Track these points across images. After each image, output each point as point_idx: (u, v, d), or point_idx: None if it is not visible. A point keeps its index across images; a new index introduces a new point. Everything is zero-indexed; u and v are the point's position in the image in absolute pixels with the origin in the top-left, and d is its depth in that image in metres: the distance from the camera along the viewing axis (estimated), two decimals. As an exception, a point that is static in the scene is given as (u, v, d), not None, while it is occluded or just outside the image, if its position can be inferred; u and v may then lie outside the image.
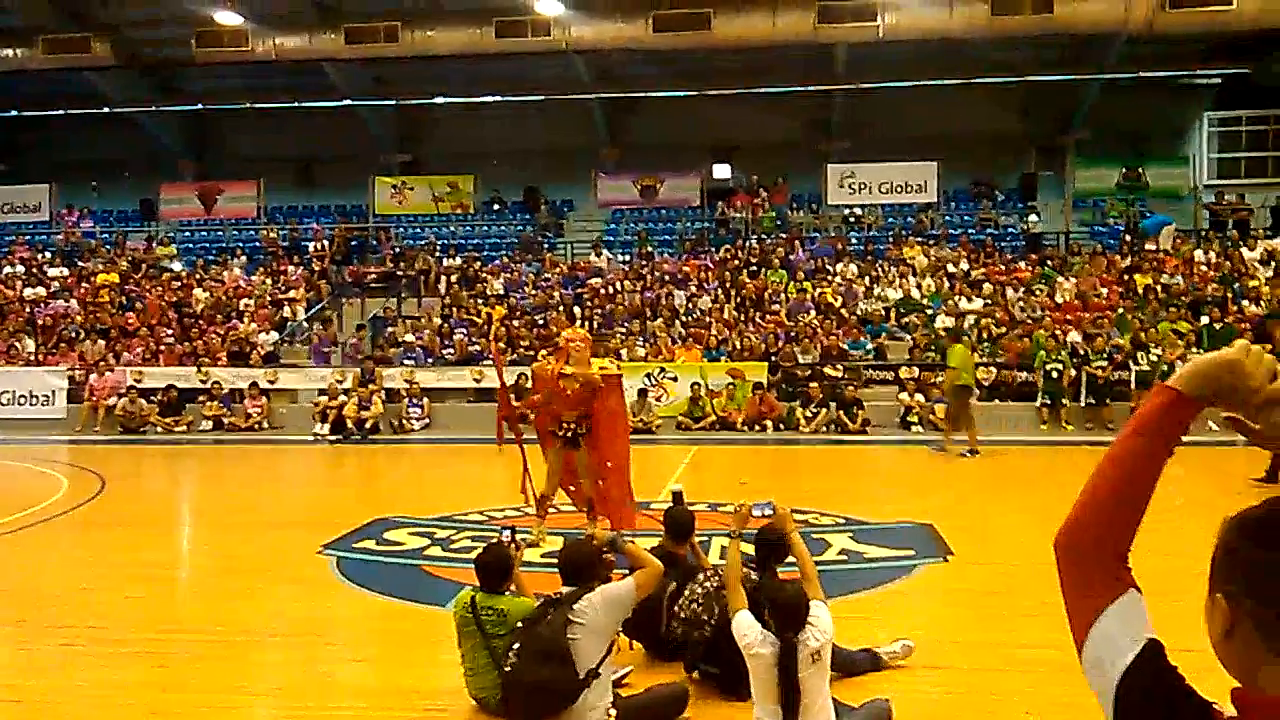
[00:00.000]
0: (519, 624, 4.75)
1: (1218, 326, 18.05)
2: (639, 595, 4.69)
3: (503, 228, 28.31)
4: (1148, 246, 22.88)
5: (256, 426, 18.85)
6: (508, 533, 5.77)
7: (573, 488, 9.18)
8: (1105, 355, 17.49)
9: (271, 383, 19.88)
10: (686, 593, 5.72)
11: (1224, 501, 1.41)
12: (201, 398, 19.33)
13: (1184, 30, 22.59)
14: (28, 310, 22.94)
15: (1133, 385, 16.97)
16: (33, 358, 21.21)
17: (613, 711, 4.48)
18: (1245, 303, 19.39)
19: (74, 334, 21.69)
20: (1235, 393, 1.42)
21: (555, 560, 5.16)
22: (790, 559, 5.26)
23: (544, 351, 10.16)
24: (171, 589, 8.27)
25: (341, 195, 29.28)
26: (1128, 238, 23.79)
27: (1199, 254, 22.03)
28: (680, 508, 6.73)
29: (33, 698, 5.59)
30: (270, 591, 7.79)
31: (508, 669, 4.50)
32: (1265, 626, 1.30)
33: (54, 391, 20.15)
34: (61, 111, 27.97)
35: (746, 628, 4.58)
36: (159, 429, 18.87)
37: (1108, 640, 1.42)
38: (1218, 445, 12.42)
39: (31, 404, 20.17)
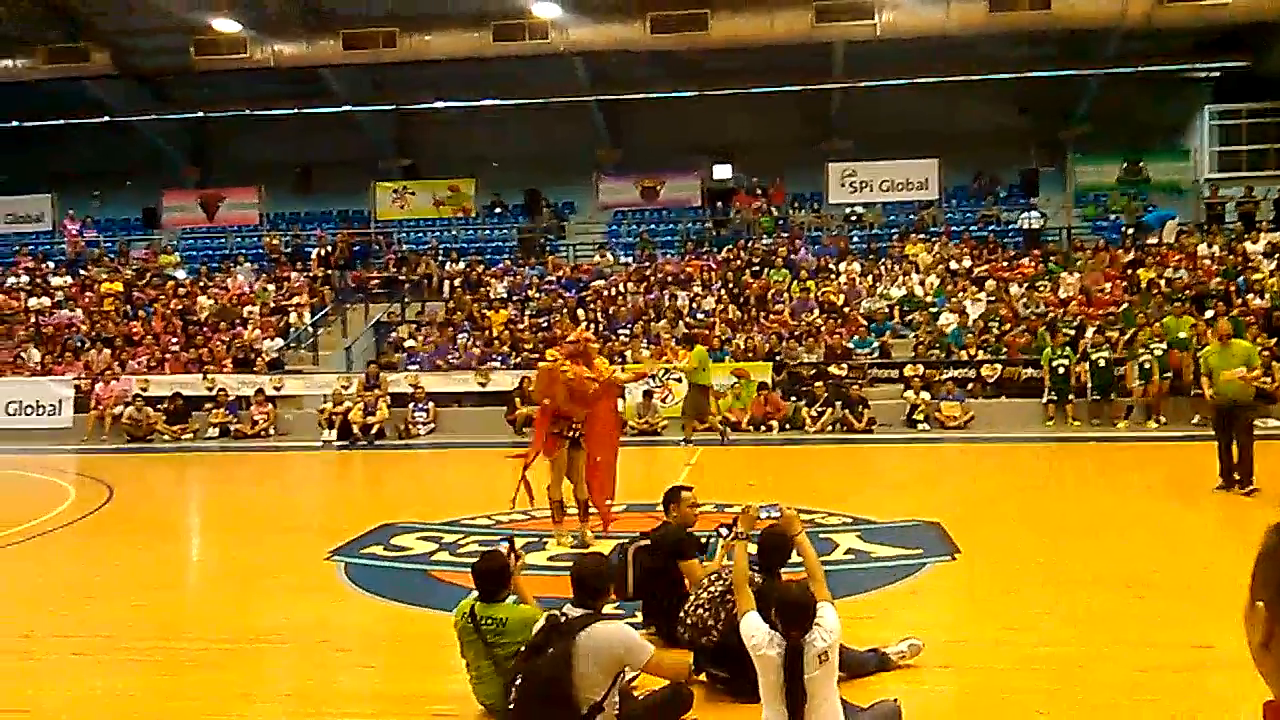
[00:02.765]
0: (521, 648, 4.71)
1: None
2: (643, 663, 4.60)
3: (504, 231, 28.33)
4: (1150, 240, 22.86)
5: (263, 433, 18.87)
6: (506, 542, 5.73)
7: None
8: (1108, 348, 17.44)
9: (277, 389, 19.90)
10: (692, 598, 5.73)
11: (1254, 507, 1.37)
12: (207, 405, 19.36)
13: (1182, 24, 22.61)
14: (33, 320, 22.98)
15: (1135, 380, 16.96)
16: (39, 368, 21.24)
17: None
18: (1250, 296, 19.35)
19: (79, 343, 21.73)
20: None
21: (558, 564, 5.12)
22: (796, 559, 5.25)
23: (550, 351, 9.92)
24: (179, 596, 8.26)
25: (342, 200, 29.33)
26: (1130, 232, 23.75)
27: (1202, 248, 21.98)
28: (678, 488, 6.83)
29: (40, 708, 5.58)
30: (278, 598, 7.78)
31: (510, 707, 4.48)
32: None
33: (60, 401, 20.17)
34: (62, 121, 28.06)
35: (754, 629, 4.57)
36: (165, 437, 18.90)
37: None
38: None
39: (38, 414, 20.19)
